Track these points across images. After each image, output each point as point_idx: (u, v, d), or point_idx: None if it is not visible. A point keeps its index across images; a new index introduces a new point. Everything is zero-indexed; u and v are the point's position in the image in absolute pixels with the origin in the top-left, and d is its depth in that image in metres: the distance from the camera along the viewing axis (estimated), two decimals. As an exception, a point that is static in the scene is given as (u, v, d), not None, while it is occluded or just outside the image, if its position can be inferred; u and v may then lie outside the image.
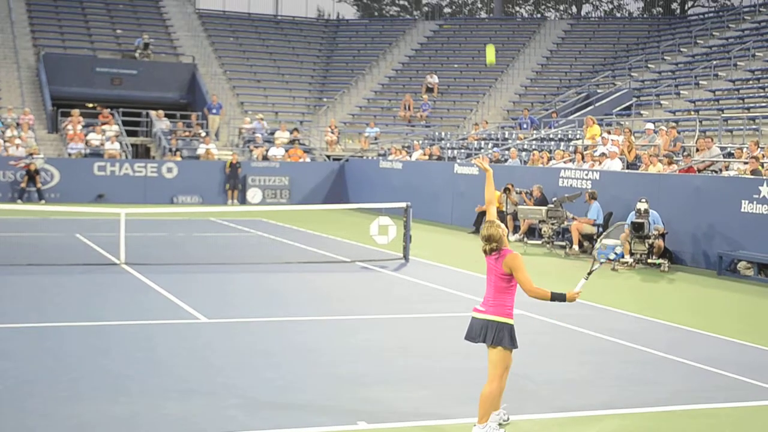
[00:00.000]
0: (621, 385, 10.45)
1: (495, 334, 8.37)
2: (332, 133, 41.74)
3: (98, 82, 43.08)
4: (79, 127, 37.36)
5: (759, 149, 22.68)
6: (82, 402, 9.22)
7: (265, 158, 37.82)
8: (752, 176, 20.91)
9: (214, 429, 8.54)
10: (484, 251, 8.50)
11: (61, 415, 8.81)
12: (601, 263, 9.03)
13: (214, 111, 41.34)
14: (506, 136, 36.19)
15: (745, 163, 22.05)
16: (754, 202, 19.92)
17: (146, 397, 9.47)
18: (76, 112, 37.83)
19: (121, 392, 9.63)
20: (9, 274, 17.23)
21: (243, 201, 36.06)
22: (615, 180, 24.18)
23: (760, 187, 19.87)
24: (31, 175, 33.28)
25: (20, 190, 33.20)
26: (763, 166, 21.41)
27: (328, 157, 40.24)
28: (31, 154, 33.91)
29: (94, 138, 37.03)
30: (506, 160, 31.08)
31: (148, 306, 14.62)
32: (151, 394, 9.59)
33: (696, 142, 25.61)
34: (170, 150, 37.56)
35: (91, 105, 41.60)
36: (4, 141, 35.29)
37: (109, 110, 39.19)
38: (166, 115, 40.44)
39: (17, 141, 35.26)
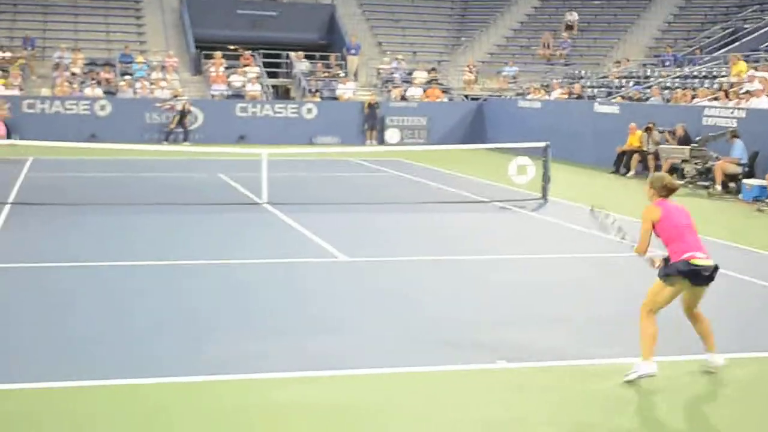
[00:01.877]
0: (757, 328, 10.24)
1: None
2: (470, 72, 41.49)
3: (239, 24, 43.63)
4: (222, 69, 38.06)
5: None
6: (218, 339, 9.45)
7: (403, 98, 37.89)
8: None
9: (353, 364, 8.71)
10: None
11: (198, 352, 9.06)
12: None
13: (352, 51, 41.51)
14: (648, 73, 35.39)
15: None
16: None
17: (282, 334, 9.69)
18: (218, 54, 38.52)
19: (257, 329, 9.88)
20: (153, 213, 17.74)
21: (381, 141, 36.24)
22: (762, 118, 23.45)
23: None
24: (183, 116, 34.04)
25: (168, 132, 34.05)
26: None
27: (466, 96, 40.04)
28: (175, 96, 34.71)
29: (236, 80, 37.67)
30: (648, 99, 30.44)
31: (289, 244, 14.92)
32: (286, 331, 9.81)
33: None
34: (310, 91, 37.95)
35: (232, 47, 42.24)
36: (150, 83, 36.20)
37: (250, 52, 39.76)
38: (306, 57, 40.80)
39: (162, 83, 36.13)
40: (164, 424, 7.28)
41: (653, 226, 8.48)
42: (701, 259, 8.34)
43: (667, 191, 8.56)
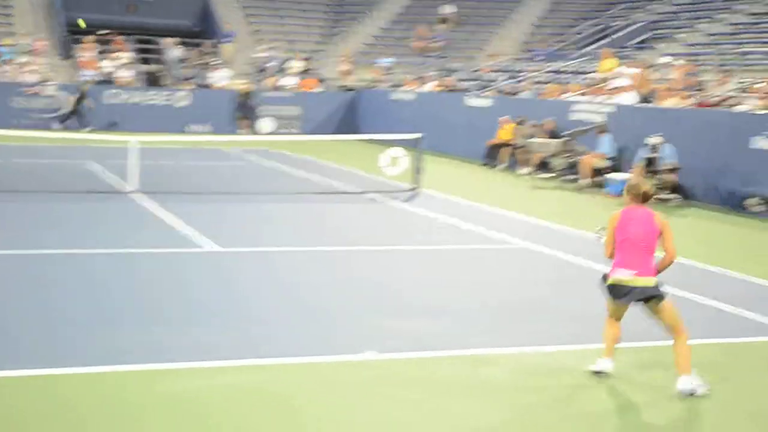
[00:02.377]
0: (632, 321, 10.43)
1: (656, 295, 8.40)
2: (346, 63, 41.48)
3: (112, 8, 42.70)
4: (92, 54, 37.23)
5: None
6: (74, 332, 9.25)
7: (277, 88, 37.65)
8: (765, 111, 20.74)
9: (227, 356, 8.60)
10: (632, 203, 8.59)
11: (53, 344, 8.84)
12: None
13: (227, 39, 41.07)
14: (520, 68, 35.93)
15: (760, 98, 21.86)
16: (767, 138, 19.78)
17: (141, 326, 9.53)
18: (89, 38, 37.66)
19: (115, 321, 9.67)
20: (18, 201, 17.26)
21: (255, 131, 35.94)
22: (629, 114, 24.02)
23: (773, 123, 19.74)
24: (80, 99, 33.40)
25: (65, 115, 33.38)
26: (777, 102, 21.22)
27: (341, 87, 40.02)
28: (44, 81, 33.82)
29: (107, 65, 36.90)
30: (518, 93, 30.88)
31: (158, 234, 14.68)
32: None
33: (712, 77, 25.40)
34: (183, 78, 37.42)
35: (104, 32, 41.33)
36: (18, 67, 35.19)
37: (122, 37, 38.98)
38: (180, 43, 40.17)
39: (31, 67, 35.17)
40: (67, 415, 7.08)
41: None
42: (623, 277, 8.38)
43: (642, 198, 8.54)
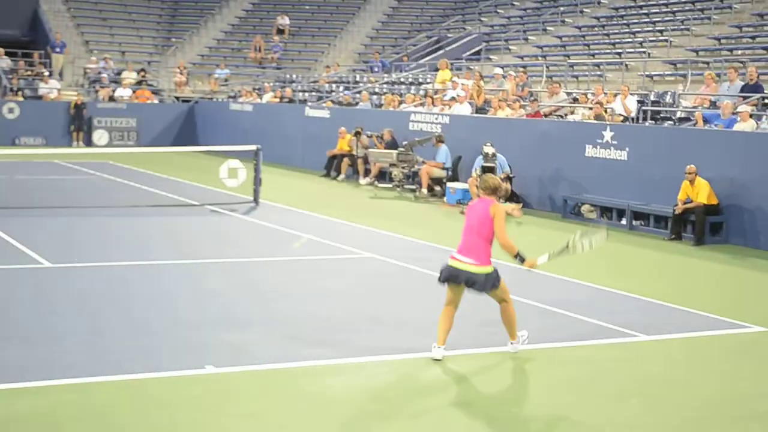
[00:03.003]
0: (478, 327, 10.57)
1: (490, 284, 9.18)
2: (181, 74, 40.97)
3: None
4: None
5: (603, 94, 23.19)
6: None
7: (111, 99, 36.88)
8: (596, 121, 21.42)
9: (53, 375, 8.32)
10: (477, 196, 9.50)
11: None
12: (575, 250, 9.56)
13: (57, 50, 40.01)
14: (357, 79, 36.16)
15: (590, 108, 22.55)
16: (598, 147, 20.42)
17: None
18: None
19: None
20: None
21: (89, 143, 35.10)
22: (464, 124, 24.44)
23: (603, 132, 20.37)
24: None
25: None
26: (606, 112, 21.92)
27: (177, 98, 39.50)
28: None
29: (-71, 76, 35.48)
30: (357, 104, 31.07)
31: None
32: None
33: (543, 87, 26.07)
34: (11, 89, 36.27)
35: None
36: None
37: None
38: (7, 53, 38.90)
39: None
40: None
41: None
42: (457, 261, 9.11)
43: (491, 191, 9.23)
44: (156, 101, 38.27)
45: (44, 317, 10.35)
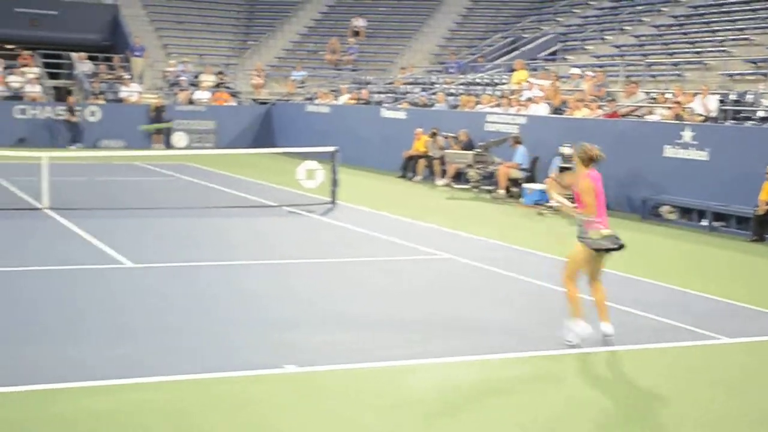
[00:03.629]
0: (551, 328, 10.54)
1: None
2: (258, 76, 41.33)
3: (15, 22, 41.92)
4: (-1, 69, 36.57)
5: (682, 94, 22.92)
6: (1, 347, 9.07)
7: (190, 102, 37.36)
8: (675, 121, 21.17)
9: (139, 373, 8.48)
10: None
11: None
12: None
13: (137, 53, 40.63)
14: (433, 80, 36.15)
15: (669, 108, 22.30)
16: (677, 147, 20.19)
17: (68, 341, 9.36)
18: (-6, 53, 36.99)
19: (43, 337, 9.50)
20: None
21: (168, 145, 35.60)
22: (541, 124, 24.31)
23: (682, 132, 20.14)
24: (71, 110, 33.64)
25: (69, 127, 33.61)
26: (685, 111, 21.66)
27: (255, 100, 39.86)
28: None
29: (14, 80, 36.23)
30: (433, 105, 31.07)
31: (71, 251, 14.41)
32: (73, 338, 9.48)
33: (621, 87, 25.83)
34: (93, 93, 36.91)
35: (10, 46, 40.58)
36: None
37: (29, 52, 38.31)
38: (89, 58, 39.63)
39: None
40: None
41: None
42: (610, 230, 9.84)
43: (590, 161, 9.82)
44: (234, 103, 38.66)
45: (126, 316, 10.54)
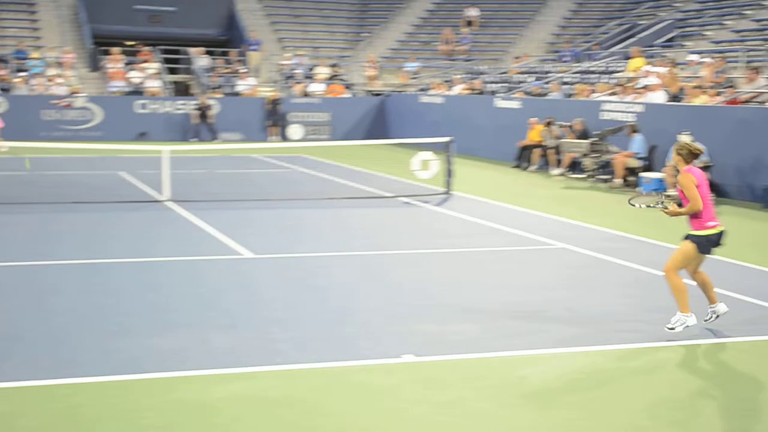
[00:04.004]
0: (665, 318, 10.40)
1: None
2: (372, 68, 41.56)
3: (137, 19, 43.02)
4: (120, 65, 37.49)
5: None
6: (131, 336, 9.37)
7: (305, 94, 37.77)
8: (799, 107, 20.64)
9: (261, 362, 8.65)
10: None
11: (111, 349, 8.96)
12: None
13: (253, 47, 41.23)
14: (547, 69, 35.87)
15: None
16: (801, 134, 19.68)
17: (193, 331, 9.60)
18: (116, 50, 37.93)
19: (168, 327, 9.76)
20: (56, 212, 17.42)
21: (284, 137, 36.08)
22: (658, 112, 23.92)
23: (806, 118, 19.63)
24: (203, 112, 34.43)
25: (194, 127, 34.57)
26: (809, 97, 21.10)
27: (369, 92, 40.10)
28: (73, 93, 34.10)
29: (135, 76, 37.14)
30: (547, 94, 30.84)
31: (193, 242, 14.75)
32: (198, 328, 9.71)
33: (741, 74, 25.26)
34: (210, 87, 37.59)
35: (131, 43, 41.61)
36: (47, 80, 35.45)
37: (149, 48, 39.22)
38: (206, 52, 40.38)
39: (59, 80, 35.43)
40: (81, 425, 7.12)
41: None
42: (721, 227, 9.74)
43: (693, 157, 9.66)
44: (348, 95, 38.96)
45: (249, 306, 10.75)
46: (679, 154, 9.72)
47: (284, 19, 46.34)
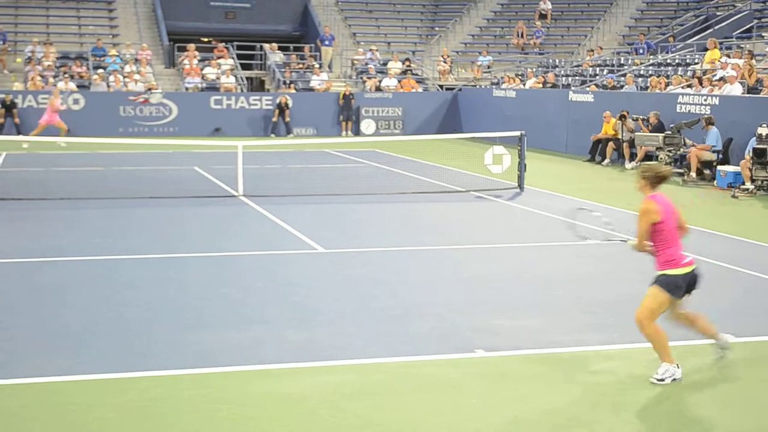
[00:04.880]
0: (743, 315, 10.29)
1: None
2: (444, 62, 41.50)
3: (212, 16, 43.48)
4: (195, 61, 37.92)
5: None
6: (205, 330, 9.51)
7: (378, 89, 37.86)
8: None
9: (334, 356, 8.72)
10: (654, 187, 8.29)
11: (186, 342, 9.10)
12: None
13: (326, 43, 41.41)
14: (622, 62, 35.50)
15: None
16: None
17: (268, 325, 9.70)
18: (191, 46, 38.36)
19: (243, 320, 9.88)
20: (132, 207, 17.69)
21: (357, 132, 36.21)
22: (735, 105, 23.58)
23: None
24: (282, 109, 34.92)
25: (273, 123, 34.95)
26: None
27: (441, 86, 40.05)
28: (149, 89, 34.58)
29: (210, 72, 37.53)
30: (622, 87, 30.54)
31: (266, 237, 14.91)
32: (272, 322, 9.82)
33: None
34: (284, 83, 37.86)
35: (206, 39, 42.06)
36: (123, 77, 36.00)
37: (223, 44, 39.61)
38: (280, 48, 40.67)
39: (136, 76, 35.94)
40: (155, 418, 7.25)
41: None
42: (692, 266, 8.22)
43: (659, 180, 8.24)
44: (420, 90, 38.96)
45: (322, 300, 10.84)
46: (644, 177, 8.25)
47: (357, 15, 46.47)
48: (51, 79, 35.10)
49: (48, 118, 30.29)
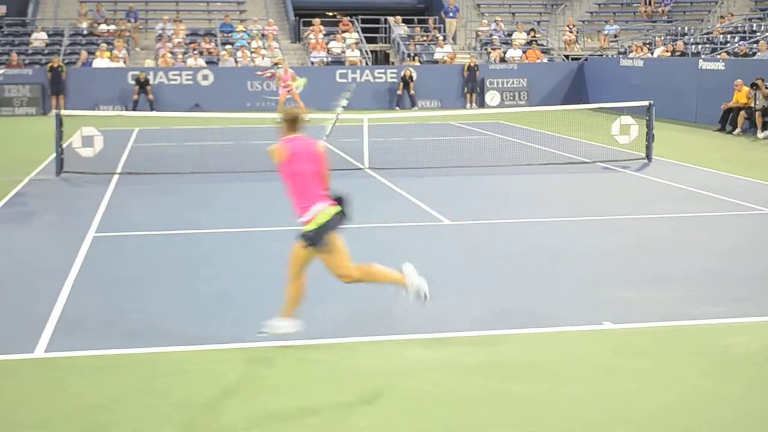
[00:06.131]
0: None
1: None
2: (570, 32, 40.98)
3: (337, -11, 43.78)
4: (321, 35, 38.25)
5: None
6: (323, 302, 9.58)
7: (502, 60, 37.63)
8: None
9: (458, 328, 8.79)
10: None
11: (311, 316, 9.20)
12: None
13: (450, 15, 41.31)
14: (754, 28, 34.54)
15: None
16: None
17: (395, 297, 9.80)
18: (317, 21, 38.70)
19: (366, 292, 9.98)
20: (261, 180, 17.93)
21: (481, 104, 36.09)
22: None
23: None
24: (406, 83, 35.30)
25: (397, 96, 35.41)
26: None
27: (567, 57, 39.59)
28: (276, 64, 35.03)
29: (335, 46, 37.83)
30: (755, 54, 29.74)
31: (393, 209, 15.04)
32: (396, 294, 9.90)
33: None
34: (409, 55, 37.93)
35: (331, 13, 42.35)
36: (251, 52, 36.54)
37: (348, 18, 39.84)
38: (404, 21, 40.71)
39: (263, 52, 36.44)
40: (294, 385, 7.46)
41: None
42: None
43: (293, 124, 8.25)
44: (545, 60, 38.60)
45: (448, 272, 10.89)
46: (279, 122, 8.24)
47: (481, -15, 46.14)
48: (180, 56, 35.85)
49: (282, 92, 30.98)
